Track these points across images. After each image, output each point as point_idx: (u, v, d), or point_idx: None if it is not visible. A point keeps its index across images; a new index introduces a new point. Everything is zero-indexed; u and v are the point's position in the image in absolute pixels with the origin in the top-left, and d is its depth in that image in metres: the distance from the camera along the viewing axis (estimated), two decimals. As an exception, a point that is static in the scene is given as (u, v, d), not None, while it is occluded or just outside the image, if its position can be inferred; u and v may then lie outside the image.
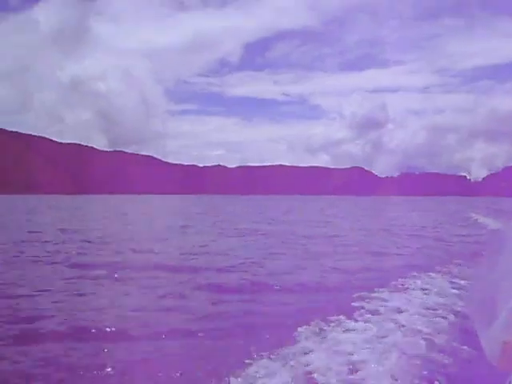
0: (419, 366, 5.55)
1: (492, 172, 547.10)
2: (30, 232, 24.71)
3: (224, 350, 6.53)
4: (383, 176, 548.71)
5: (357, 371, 5.38)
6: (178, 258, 15.72)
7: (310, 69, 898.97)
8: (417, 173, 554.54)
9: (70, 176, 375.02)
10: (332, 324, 7.22)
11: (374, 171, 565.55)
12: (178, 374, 5.66)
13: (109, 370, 5.71)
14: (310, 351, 6.02)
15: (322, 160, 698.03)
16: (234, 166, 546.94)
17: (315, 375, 5.25)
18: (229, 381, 5.14)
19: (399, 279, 10.84)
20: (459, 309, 7.96)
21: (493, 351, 2.01)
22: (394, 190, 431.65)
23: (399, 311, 8.07)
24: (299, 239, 21.92)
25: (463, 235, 24.19)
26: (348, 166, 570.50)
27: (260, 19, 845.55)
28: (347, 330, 6.96)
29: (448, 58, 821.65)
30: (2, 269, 12.93)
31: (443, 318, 7.66)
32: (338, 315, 7.59)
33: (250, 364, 5.55)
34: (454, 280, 10.84)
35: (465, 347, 6.07)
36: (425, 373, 5.39)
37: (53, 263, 14.06)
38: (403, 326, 7.16)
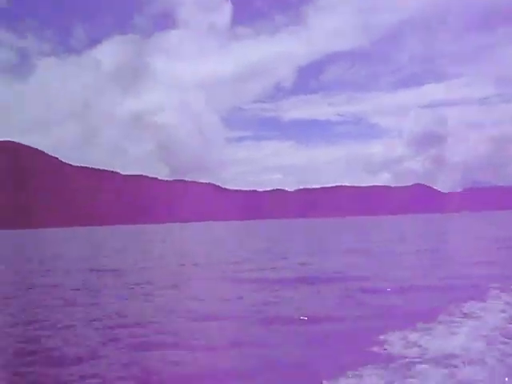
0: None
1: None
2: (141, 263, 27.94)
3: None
4: (446, 191, 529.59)
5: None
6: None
7: (364, 88, 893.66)
8: (481, 186, 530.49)
9: (137, 206, 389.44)
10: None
11: (436, 187, 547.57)
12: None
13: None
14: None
15: (383, 179, 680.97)
16: (292, 189, 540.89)
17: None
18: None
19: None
20: None
21: None
22: (458, 206, 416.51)
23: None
24: (411, 255, 24.25)
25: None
26: (410, 184, 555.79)
27: (311, 43, 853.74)
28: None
29: (504, 67, 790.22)
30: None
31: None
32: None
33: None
34: None
35: None
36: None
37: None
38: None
